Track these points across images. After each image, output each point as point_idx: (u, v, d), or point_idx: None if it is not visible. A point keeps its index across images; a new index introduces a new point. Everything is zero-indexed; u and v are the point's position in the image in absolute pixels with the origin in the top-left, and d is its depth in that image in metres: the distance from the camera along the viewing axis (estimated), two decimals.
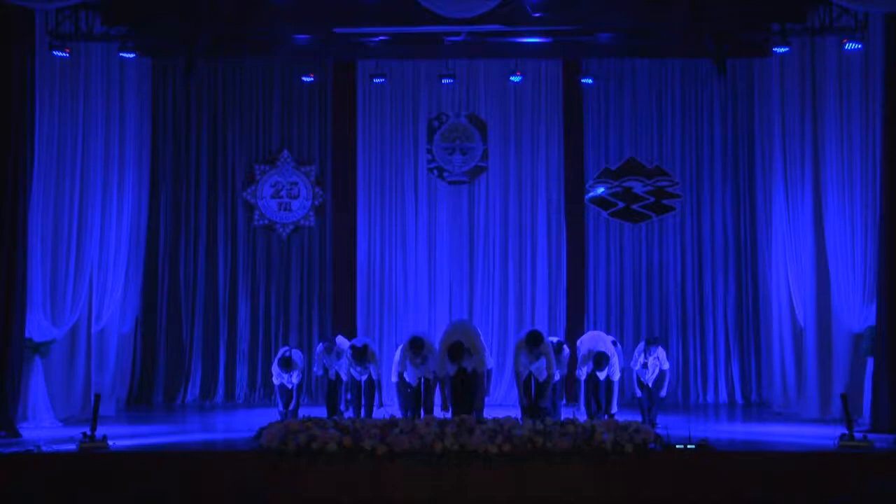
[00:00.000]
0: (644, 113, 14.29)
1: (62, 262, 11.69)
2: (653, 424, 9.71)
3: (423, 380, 11.04)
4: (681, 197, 14.22)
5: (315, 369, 12.00)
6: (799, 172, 12.46)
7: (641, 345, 11.59)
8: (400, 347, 11.33)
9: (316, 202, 14.36)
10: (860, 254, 11.49)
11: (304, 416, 9.76)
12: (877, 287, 10.92)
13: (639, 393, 11.44)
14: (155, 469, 8.79)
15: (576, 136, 14.21)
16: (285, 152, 14.40)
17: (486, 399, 13.57)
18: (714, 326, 14.04)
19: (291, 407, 11.65)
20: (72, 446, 9.19)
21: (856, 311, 11.49)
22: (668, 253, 14.18)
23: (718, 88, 14.21)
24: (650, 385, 11.46)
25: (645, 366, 11.42)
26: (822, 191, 12.02)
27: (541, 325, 13.85)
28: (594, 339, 11.55)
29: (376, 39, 13.07)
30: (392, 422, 9.19)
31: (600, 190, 14.22)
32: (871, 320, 11.10)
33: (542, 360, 10.96)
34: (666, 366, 11.56)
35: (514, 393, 13.71)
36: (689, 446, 8.98)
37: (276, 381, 11.77)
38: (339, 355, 11.67)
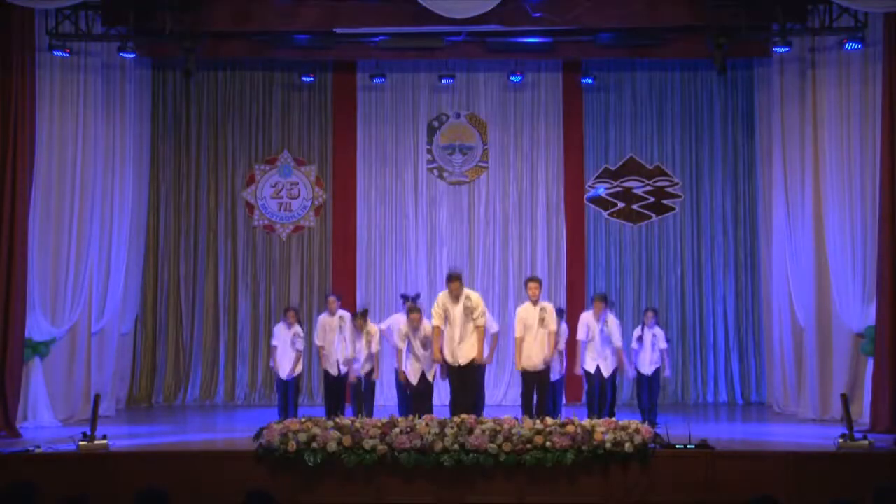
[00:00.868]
0: (644, 113, 14.30)
1: (62, 262, 11.70)
2: (653, 425, 9.70)
3: (422, 378, 11.01)
4: (681, 197, 14.22)
5: (315, 339, 11.84)
6: (799, 172, 12.46)
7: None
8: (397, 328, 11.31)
9: (316, 202, 14.37)
10: (860, 254, 11.49)
11: (303, 415, 9.77)
12: (877, 287, 10.93)
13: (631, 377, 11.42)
14: (155, 469, 8.81)
15: (576, 136, 14.22)
16: (285, 152, 14.40)
17: (489, 396, 13.66)
18: (714, 326, 14.04)
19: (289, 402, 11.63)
20: (72, 446, 9.20)
21: (856, 311, 11.50)
22: (668, 253, 14.19)
23: (718, 88, 14.22)
24: (649, 375, 11.40)
25: (640, 339, 11.40)
26: (822, 191, 12.02)
27: None
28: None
29: (376, 39, 13.08)
30: (392, 422, 9.19)
31: (600, 190, 14.23)
32: (871, 320, 11.10)
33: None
34: (663, 345, 11.60)
35: (515, 393, 13.77)
36: (689, 446, 8.98)
37: (274, 341, 11.73)
38: (340, 324, 11.53)
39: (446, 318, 10.64)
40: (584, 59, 13.95)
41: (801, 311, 12.36)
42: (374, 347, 11.50)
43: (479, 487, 8.80)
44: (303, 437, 8.84)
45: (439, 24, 11.65)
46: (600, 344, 11.15)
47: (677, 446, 8.99)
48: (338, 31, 12.51)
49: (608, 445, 8.76)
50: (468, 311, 10.64)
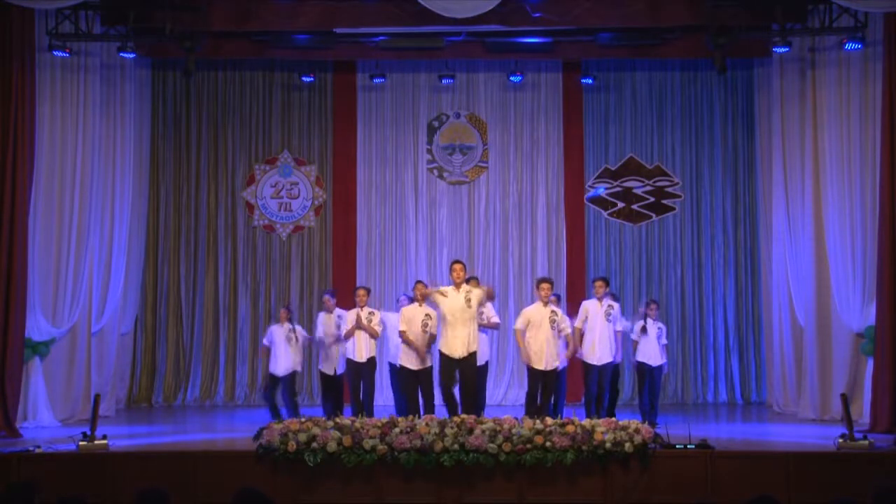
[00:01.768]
0: (644, 113, 14.30)
1: (62, 262, 11.70)
2: (653, 425, 9.68)
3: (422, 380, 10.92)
4: (681, 197, 14.23)
5: (317, 333, 11.71)
6: (799, 172, 12.46)
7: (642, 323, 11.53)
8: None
9: (316, 202, 14.37)
10: (860, 254, 11.49)
11: (304, 415, 9.78)
12: (877, 287, 10.93)
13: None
14: (155, 469, 8.81)
15: (576, 136, 14.22)
16: (285, 152, 14.41)
17: (489, 396, 13.62)
18: (714, 326, 14.04)
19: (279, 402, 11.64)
20: (72, 446, 9.19)
21: (856, 311, 11.49)
22: (668, 253, 14.19)
23: (718, 88, 14.22)
24: (654, 367, 11.31)
25: (643, 329, 11.32)
26: (822, 191, 12.02)
27: None
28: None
29: (376, 39, 13.08)
30: (392, 422, 9.19)
31: (600, 190, 14.23)
32: (871, 320, 11.10)
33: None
34: (665, 341, 11.57)
35: (515, 393, 13.79)
36: (689, 446, 8.98)
37: (266, 341, 11.73)
38: (338, 323, 11.41)
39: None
40: (584, 59, 13.96)
41: (801, 311, 12.36)
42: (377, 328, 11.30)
43: (479, 487, 8.79)
44: (303, 437, 8.84)
45: (439, 24, 11.65)
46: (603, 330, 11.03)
47: (677, 446, 8.99)
48: (338, 31, 12.51)
49: (608, 445, 8.76)
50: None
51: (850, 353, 11.64)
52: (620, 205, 14.23)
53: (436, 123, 14.37)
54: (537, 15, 11.85)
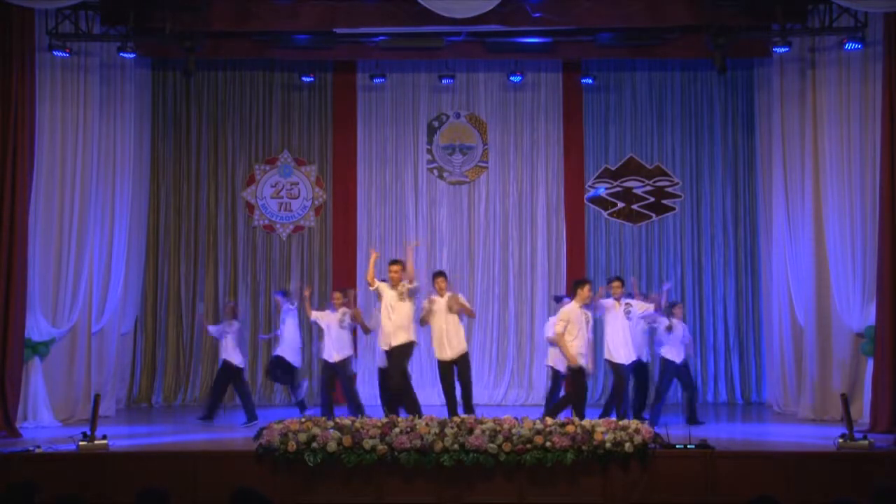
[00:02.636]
0: (644, 113, 14.30)
1: (62, 262, 11.71)
2: (653, 423, 9.74)
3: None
4: (681, 197, 14.22)
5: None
6: (799, 172, 12.46)
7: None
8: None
9: (316, 202, 14.37)
10: (860, 254, 11.50)
11: (306, 415, 9.78)
12: (877, 287, 10.93)
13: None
14: (155, 469, 8.81)
15: (576, 136, 14.21)
16: (285, 152, 14.40)
17: (485, 395, 13.66)
18: (714, 326, 14.04)
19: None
20: (71, 446, 9.20)
21: (856, 311, 11.50)
22: (668, 253, 14.18)
23: (718, 88, 14.22)
24: (678, 362, 11.43)
25: (669, 328, 11.43)
26: (822, 191, 12.02)
27: (541, 325, 13.88)
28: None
29: (376, 39, 13.08)
30: (392, 422, 9.19)
31: (600, 190, 14.22)
32: (871, 320, 11.10)
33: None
34: (687, 339, 11.72)
35: (514, 393, 13.79)
36: (689, 446, 8.98)
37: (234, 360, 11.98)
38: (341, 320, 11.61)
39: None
40: (584, 59, 13.95)
41: (801, 312, 12.36)
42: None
43: (479, 487, 8.80)
44: (303, 437, 8.84)
45: (439, 24, 11.65)
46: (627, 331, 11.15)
47: (677, 446, 8.99)
48: (338, 31, 12.50)
49: (608, 445, 8.76)
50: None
51: (850, 353, 11.65)
52: (620, 205, 14.23)
53: (436, 123, 14.37)
54: (537, 15, 11.84)
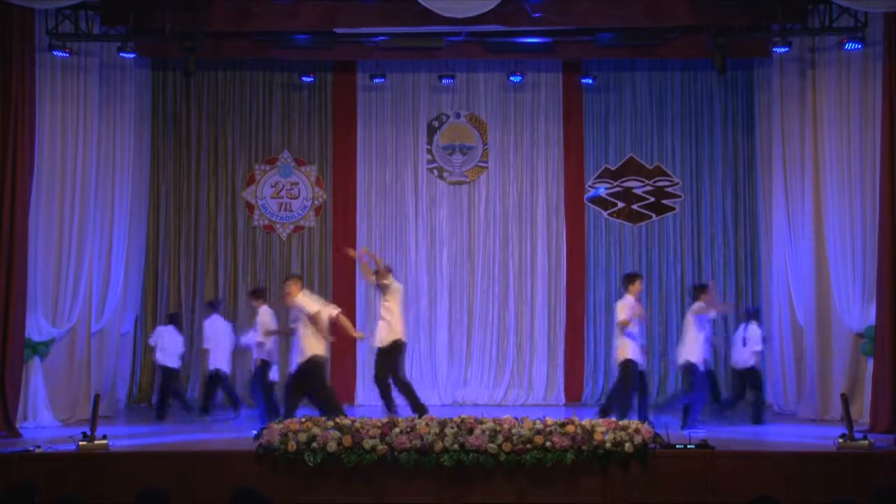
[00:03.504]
0: (644, 113, 14.30)
1: (62, 262, 11.71)
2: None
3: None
4: (681, 197, 14.22)
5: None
6: (799, 172, 12.46)
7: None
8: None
9: (316, 202, 14.37)
10: (860, 254, 11.50)
11: (304, 415, 9.78)
12: (877, 287, 10.93)
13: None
14: (155, 469, 8.81)
15: (576, 136, 14.21)
16: (285, 152, 14.40)
17: (485, 395, 13.66)
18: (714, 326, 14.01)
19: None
20: (72, 446, 9.20)
21: (856, 311, 11.50)
22: (668, 253, 14.18)
23: (718, 88, 14.22)
24: (749, 366, 11.71)
25: (745, 339, 11.66)
26: (821, 191, 12.02)
27: (541, 325, 13.93)
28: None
29: (376, 39, 13.08)
30: (392, 422, 9.19)
31: (600, 190, 14.22)
32: (872, 320, 11.10)
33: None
34: (758, 347, 11.92)
35: (515, 393, 13.79)
36: (689, 446, 8.98)
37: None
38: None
39: None
40: (584, 59, 13.95)
41: (801, 312, 12.36)
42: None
43: (479, 487, 8.80)
44: (303, 437, 8.84)
45: (439, 24, 11.64)
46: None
47: (677, 446, 8.99)
48: (338, 31, 12.51)
49: (608, 445, 8.76)
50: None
51: (850, 353, 11.64)
52: (620, 205, 14.23)
53: (436, 123, 14.37)
54: (537, 15, 11.84)
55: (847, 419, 9.32)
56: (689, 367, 11.00)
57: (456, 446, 8.78)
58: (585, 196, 14.21)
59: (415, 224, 14.25)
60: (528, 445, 8.78)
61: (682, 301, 14.05)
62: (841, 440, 9.12)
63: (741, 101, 14.20)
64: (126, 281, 13.11)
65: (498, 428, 8.97)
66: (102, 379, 12.41)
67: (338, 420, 9.34)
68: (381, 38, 13.01)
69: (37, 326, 11.31)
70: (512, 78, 13.88)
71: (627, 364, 10.89)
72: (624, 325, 10.88)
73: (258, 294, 12.30)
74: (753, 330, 11.94)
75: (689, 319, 11.16)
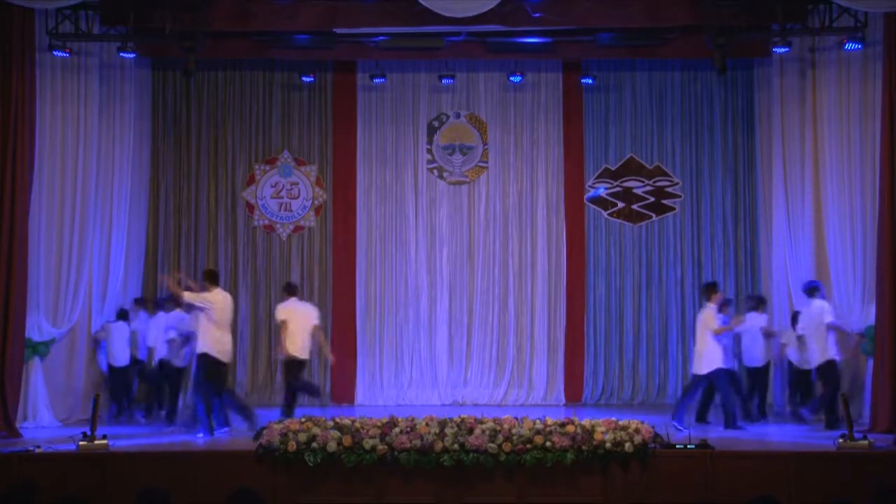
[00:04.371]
0: (644, 113, 14.29)
1: (62, 262, 11.71)
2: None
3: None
4: (681, 197, 14.22)
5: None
6: (799, 172, 12.47)
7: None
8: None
9: (316, 202, 14.36)
10: (860, 254, 11.49)
11: (303, 415, 9.78)
12: (876, 287, 10.92)
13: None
14: (155, 469, 8.81)
15: (576, 136, 14.21)
16: (285, 152, 14.40)
17: (485, 395, 13.66)
18: None
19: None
20: (72, 446, 9.20)
21: (856, 311, 11.49)
22: (668, 253, 14.18)
23: (718, 88, 14.22)
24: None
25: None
26: (822, 191, 12.02)
27: (541, 325, 13.92)
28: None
29: (376, 39, 13.08)
30: (392, 422, 9.20)
31: (600, 190, 14.22)
32: (872, 320, 11.10)
33: None
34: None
35: (514, 393, 13.78)
36: (689, 446, 8.98)
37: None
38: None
39: None
40: (584, 59, 13.96)
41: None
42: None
43: (479, 487, 8.80)
44: (303, 437, 8.84)
45: (439, 24, 11.65)
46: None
47: (677, 446, 8.99)
48: (338, 31, 12.51)
49: (608, 445, 8.76)
50: None
51: (851, 353, 11.63)
52: (620, 205, 14.23)
53: (436, 123, 14.37)
54: (537, 15, 11.84)
55: (847, 419, 9.32)
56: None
57: (456, 446, 8.78)
58: (585, 196, 14.21)
59: (415, 224, 14.24)
60: (528, 445, 8.78)
61: (682, 301, 14.07)
62: (841, 440, 9.13)
63: (741, 101, 14.20)
64: (126, 281, 13.10)
65: (498, 428, 8.97)
66: (102, 379, 12.39)
67: (337, 420, 9.35)
68: (381, 38, 13.01)
69: (37, 326, 11.30)
70: (512, 78, 13.88)
71: (720, 373, 11.06)
72: (719, 333, 11.09)
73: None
74: (762, 320, 11.95)
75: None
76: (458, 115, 14.38)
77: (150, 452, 9.43)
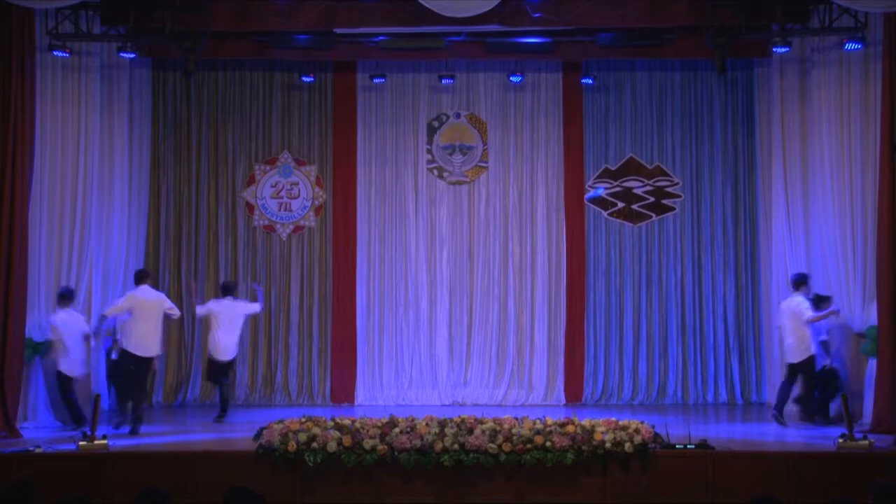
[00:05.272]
0: (644, 113, 14.29)
1: (62, 262, 11.71)
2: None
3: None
4: (681, 197, 14.22)
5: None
6: (799, 172, 12.47)
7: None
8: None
9: (316, 202, 14.37)
10: (860, 254, 11.49)
11: (304, 415, 9.78)
12: (876, 287, 10.92)
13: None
14: (155, 469, 8.82)
15: (576, 136, 14.20)
16: (285, 152, 14.40)
17: (485, 395, 13.66)
18: (714, 326, 14.03)
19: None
20: (72, 446, 9.21)
21: (856, 312, 11.49)
22: (668, 253, 14.18)
23: (718, 88, 14.22)
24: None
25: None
26: (822, 191, 12.02)
27: (541, 325, 13.92)
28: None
29: (376, 39, 13.09)
30: (392, 422, 9.20)
31: (600, 190, 14.22)
32: (872, 320, 11.10)
33: None
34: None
35: (514, 393, 13.79)
36: (689, 446, 8.98)
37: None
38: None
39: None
40: (584, 59, 13.94)
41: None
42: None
43: (479, 487, 8.81)
44: (303, 437, 8.85)
45: (439, 24, 11.66)
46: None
47: (677, 446, 9.00)
48: (338, 31, 12.51)
49: (608, 445, 8.77)
50: None
51: (851, 353, 11.63)
52: (620, 205, 14.23)
53: (436, 123, 14.37)
54: (537, 15, 11.85)
55: (847, 419, 9.32)
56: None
57: (456, 446, 8.79)
58: (585, 196, 14.21)
59: (415, 224, 14.24)
60: (528, 445, 8.78)
61: (682, 301, 14.06)
62: (841, 440, 9.13)
63: (741, 101, 14.20)
64: (126, 281, 13.08)
65: (498, 428, 8.98)
66: (102, 379, 12.40)
67: (337, 420, 9.35)
68: (381, 38, 13.01)
69: (37, 326, 11.30)
70: (512, 78, 13.88)
71: (811, 361, 11.22)
72: (814, 321, 11.18)
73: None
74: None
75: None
76: (458, 115, 14.38)
77: (150, 452, 9.44)
